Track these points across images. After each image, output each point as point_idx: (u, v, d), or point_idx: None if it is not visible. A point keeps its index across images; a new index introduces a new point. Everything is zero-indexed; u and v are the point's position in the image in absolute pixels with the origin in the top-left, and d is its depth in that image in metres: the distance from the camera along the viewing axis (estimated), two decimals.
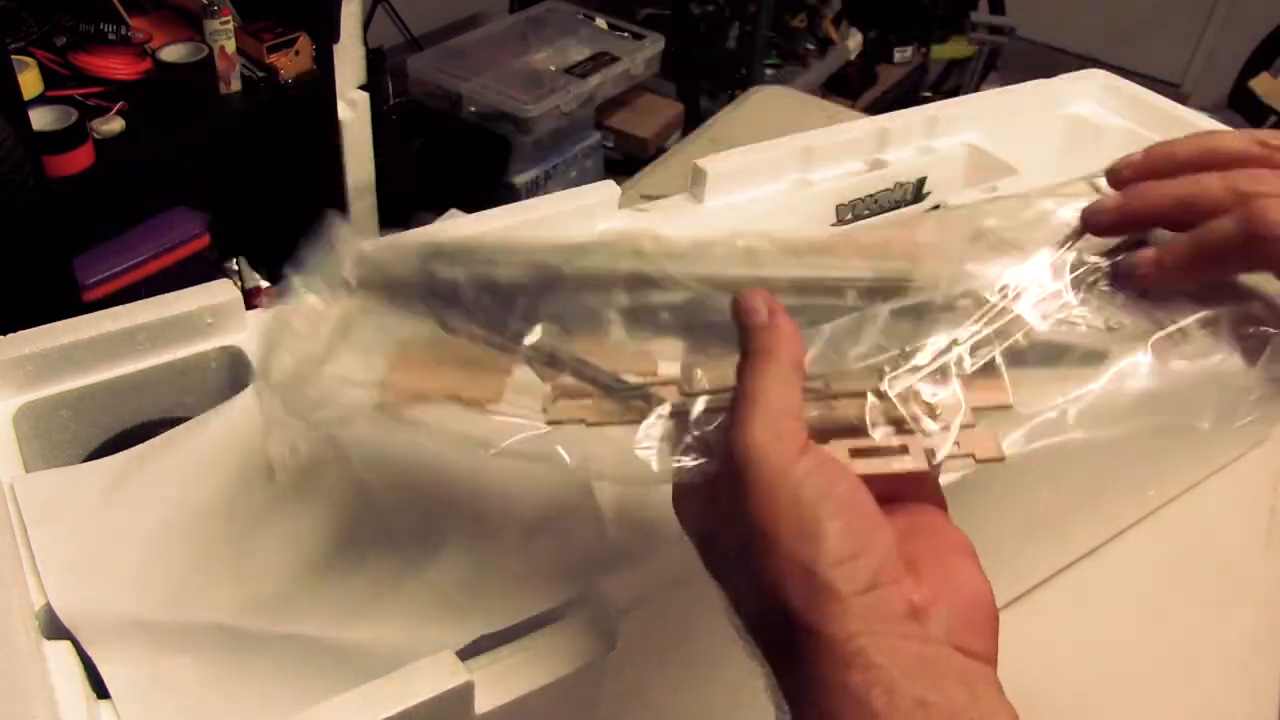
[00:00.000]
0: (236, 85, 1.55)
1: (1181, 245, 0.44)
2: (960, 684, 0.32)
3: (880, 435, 0.38)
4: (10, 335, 0.56)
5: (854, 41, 2.73)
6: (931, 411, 0.40)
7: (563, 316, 0.42)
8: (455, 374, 0.41)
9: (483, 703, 0.45)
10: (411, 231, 0.45)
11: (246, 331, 0.61)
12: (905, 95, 2.80)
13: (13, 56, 1.27)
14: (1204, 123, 0.83)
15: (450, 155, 2.11)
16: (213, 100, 1.53)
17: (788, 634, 0.32)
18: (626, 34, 2.31)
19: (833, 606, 0.32)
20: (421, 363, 0.42)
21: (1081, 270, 0.47)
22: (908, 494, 0.38)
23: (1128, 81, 0.87)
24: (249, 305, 0.61)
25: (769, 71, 2.58)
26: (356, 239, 0.43)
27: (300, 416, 0.41)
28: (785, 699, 0.33)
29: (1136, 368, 0.44)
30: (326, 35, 1.63)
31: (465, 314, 0.41)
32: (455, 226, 0.44)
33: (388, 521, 0.52)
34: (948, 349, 0.42)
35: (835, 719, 0.31)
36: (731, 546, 0.35)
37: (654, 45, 2.28)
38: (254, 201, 1.84)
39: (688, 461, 0.37)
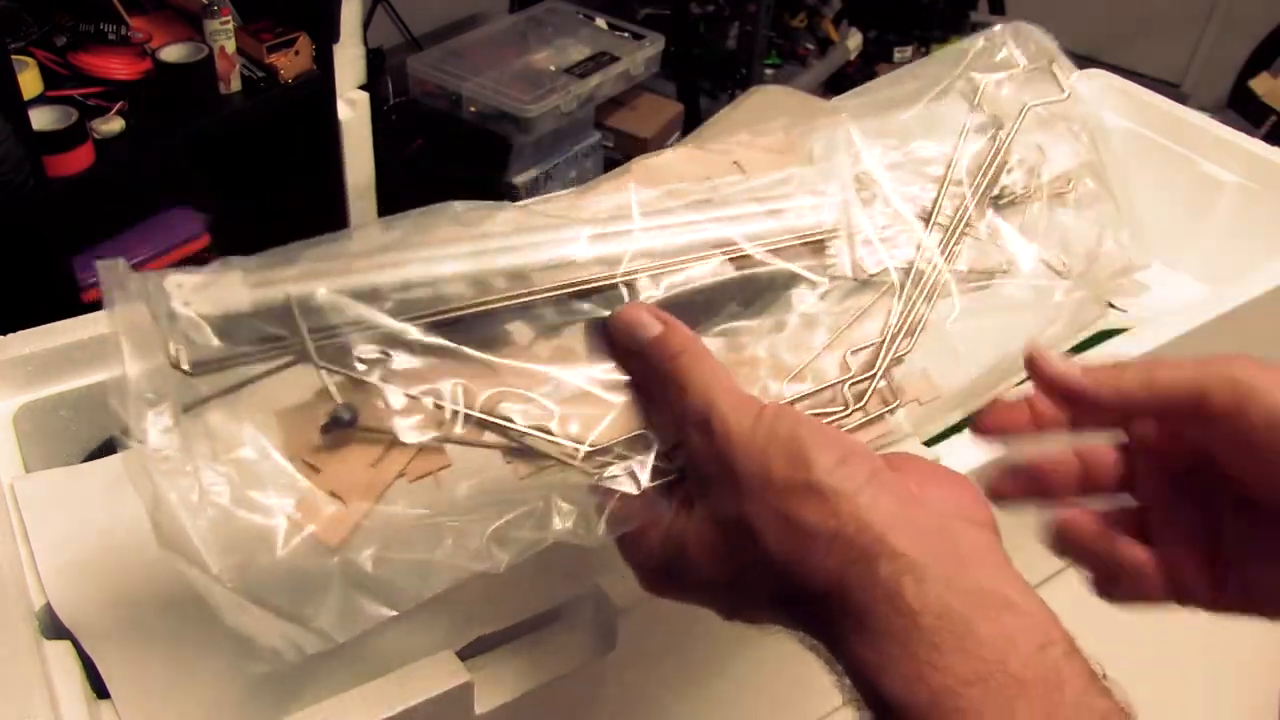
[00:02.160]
0: (236, 85, 1.55)
1: (1122, 382, 0.38)
2: (983, 558, 0.33)
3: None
4: (10, 335, 0.56)
5: (854, 41, 2.73)
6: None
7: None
8: (367, 449, 0.37)
9: (483, 702, 0.45)
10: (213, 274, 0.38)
11: None
12: None
13: (13, 56, 1.27)
14: (1204, 123, 0.83)
15: (450, 155, 2.10)
16: (213, 100, 1.53)
17: (809, 571, 0.33)
18: (626, 34, 2.31)
19: (845, 505, 0.33)
20: (321, 443, 0.37)
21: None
22: None
23: (1127, 81, 0.87)
24: None
25: (769, 71, 2.58)
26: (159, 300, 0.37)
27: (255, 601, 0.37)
28: (832, 653, 0.34)
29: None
30: (326, 35, 1.63)
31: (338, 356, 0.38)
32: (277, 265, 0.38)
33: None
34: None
35: (879, 631, 0.31)
36: (730, 520, 0.36)
37: (654, 45, 2.28)
38: (254, 201, 1.84)
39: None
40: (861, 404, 0.43)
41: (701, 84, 2.53)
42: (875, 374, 0.43)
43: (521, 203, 0.43)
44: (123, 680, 0.46)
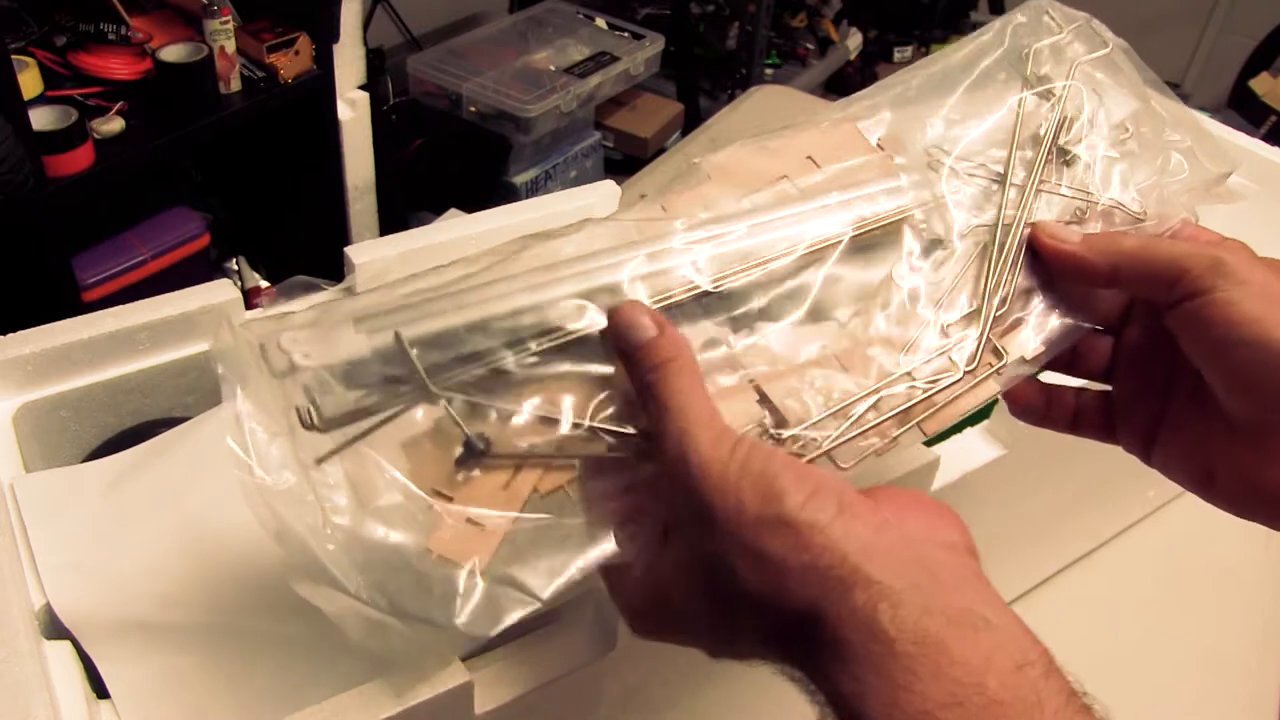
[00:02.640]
0: (236, 85, 1.55)
1: (1118, 246, 0.42)
2: (960, 583, 0.34)
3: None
4: (10, 335, 0.56)
5: (854, 41, 2.73)
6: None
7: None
8: (496, 474, 0.38)
9: (482, 702, 0.45)
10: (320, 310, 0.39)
11: None
12: None
13: (13, 56, 1.27)
14: (1204, 122, 0.83)
15: (450, 155, 2.11)
16: (213, 100, 1.53)
17: (785, 604, 0.33)
18: (626, 34, 2.31)
19: (817, 538, 0.33)
20: (452, 473, 0.38)
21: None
22: None
23: None
24: (249, 305, 0.61)
25: (769, 71, 2.58)
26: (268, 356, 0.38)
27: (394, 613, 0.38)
28: (813, 684, 0.34)
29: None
30: (326, 35, 1.63)
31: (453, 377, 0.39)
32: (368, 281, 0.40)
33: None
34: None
35: (856, 659, 0.32)
36: (703, 556, 0.36)
37: (654, 45, 2.28)
38: (254, 201, 1.84)
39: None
40: (972, 367, 0.43)
41: (701, 84, 2.53)
42: (981, 335, 0.43)
43: (607, 216, 0.43)
44: (123, 680, 0.46)
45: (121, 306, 0.58)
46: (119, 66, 1.49)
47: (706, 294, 0.42)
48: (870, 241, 0.45)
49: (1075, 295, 0.45)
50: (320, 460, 0.37)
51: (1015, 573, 0.82)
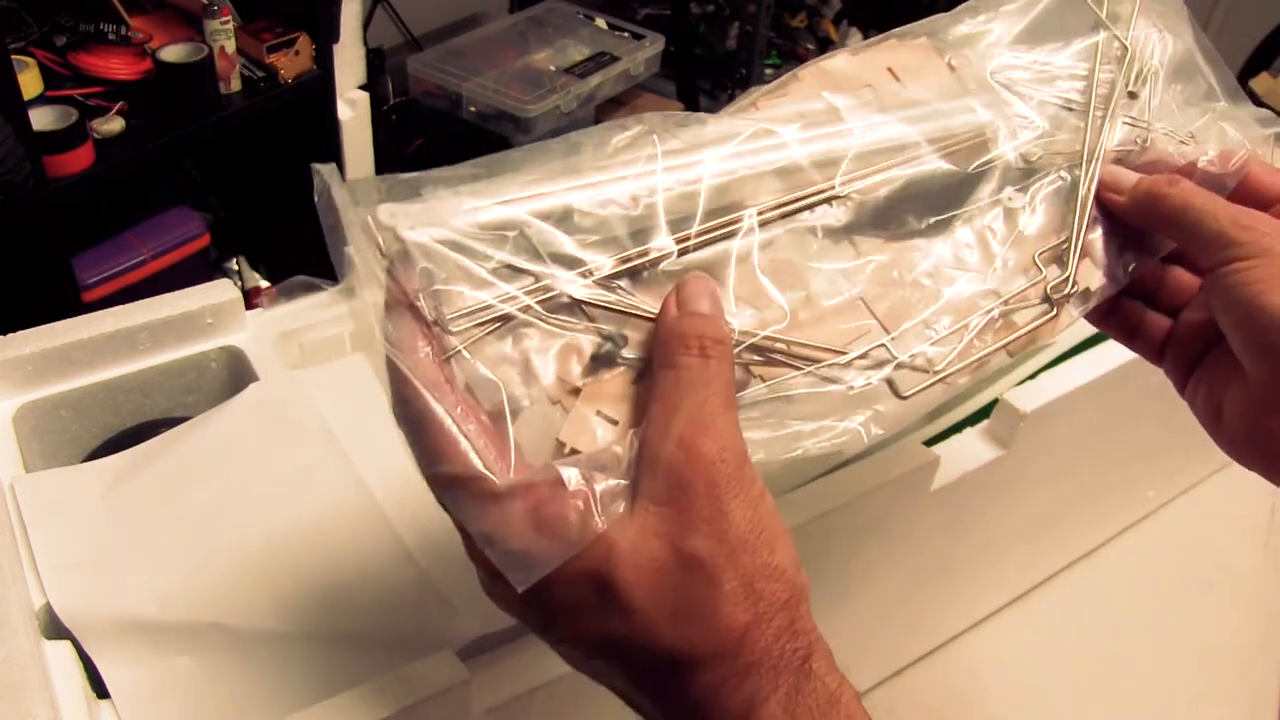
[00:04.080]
0: (236, 85, 1.55)
1: (1158, 207, 0.44)
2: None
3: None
4: (10, 335, 0.56)
5: (854, 41, 2.73)
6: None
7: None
8: (625, 373, 0.37)
9: (482, 702, 0.45)
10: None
11: (246, 331, 0.61)
12: None
13: (13, 56, 1.27)
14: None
15: (450, 155, 2.09)
16: (213, 100, 1.52)
17: (762, 635, 0.34)
18: (626, 34, 2.31)
19: (803, 605, 0.35)
20: (581, 373, 0.36)
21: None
22: None
23: None
24: (249, 305, 0.61)
25: (769, 71, 2.58)
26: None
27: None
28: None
29: None
30: (326, 35, 1.63)
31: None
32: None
33: (388, 521, 0.52)
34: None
35: (807, 709, 0.34)
36: (696, 554, 0.33)
37: (654, 45, 2.28)
38: (254, 201, 1.84)
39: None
40: (1061, 305, 0.44)
41: (701, 84, 2.53)
42: (1071, 268, 0.44)
43: (700, 115, 0.43)
44: (123, 680, 0.46)
45: (121, 306, 0.58)
46: (119, 66, 1.49)
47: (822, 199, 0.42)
48: (954, 160, 0.45)
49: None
50: (446, 358, 0.35)
51: (1015, 573, 0.82)
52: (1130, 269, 0.46)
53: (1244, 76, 2.65)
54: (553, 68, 2.16)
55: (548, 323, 0.36)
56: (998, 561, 0.78)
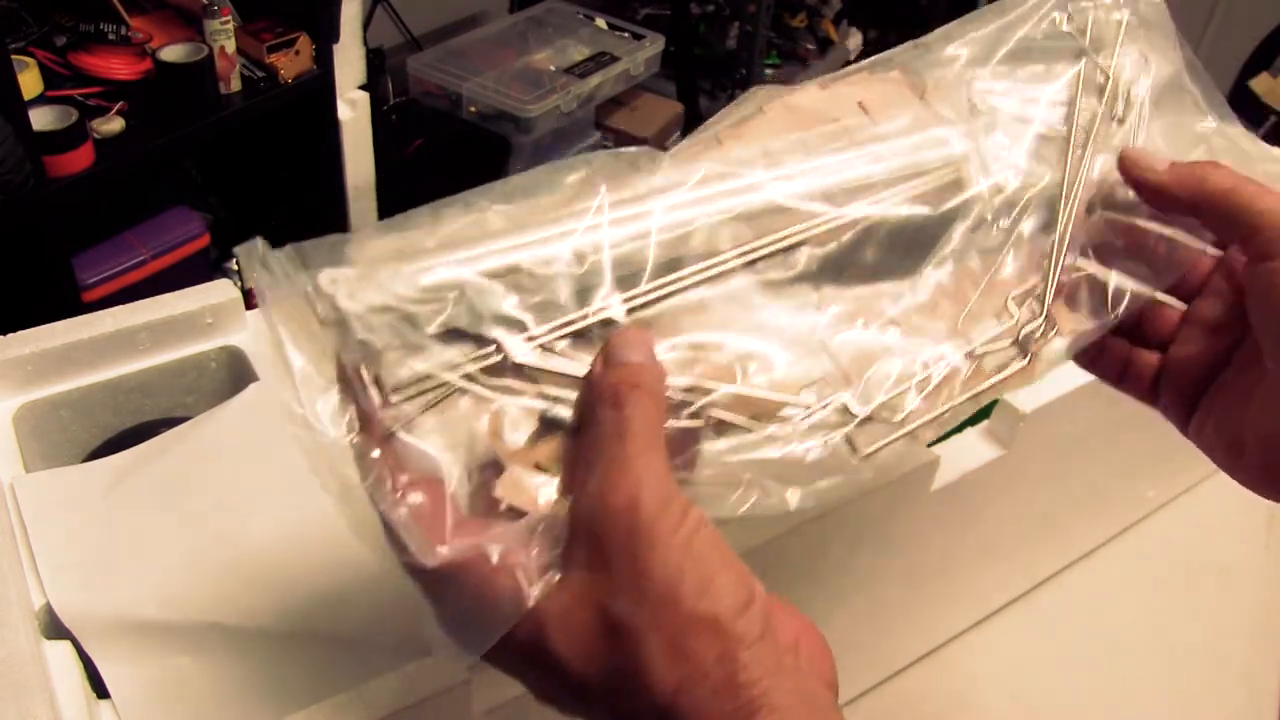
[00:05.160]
0: (236, 85, 1.55)
1: (1206, 184, 0.42)
2: (835, 716, 0.34)
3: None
4: (10, 335, 0.56)
5: (854, 41, 2.73)
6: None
7: None
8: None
9: (482, 702, 0.45)
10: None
11: (247, 331, 0.61)
12: None
13: (13, 56, 1.27)
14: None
15: (450, 155, 2.10)
16: (213, 100, 1.52)
17: (694, 697, 0.32)
18: (626, 34, 2.31)
19: (743, 655, 0.32)
20: (525, 442, 0.36)
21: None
22: None
23: None
24: (249, 305, 0.61)
25: (769, 71, 2.58)
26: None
27: None
28: None
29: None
30: (326, 35, 1.63)
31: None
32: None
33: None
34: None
35: None
36: (619, 618, 0.32)
37: (654, 45, 2.28)
38: (254, 201, 1.84)
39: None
40: (1035, 352, 0.42)
41: (701, 84, 2.53)
42: (1043, 315, 0.43)
43: (654, 153, 0.41)
44: (123, 680, 0.46)
45: (121, 306, 0.58)
46: (119, 66, 1.49)
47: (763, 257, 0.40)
48: (924, 199, 0.43)
49: (1155, 259, 0.44)
50: (388, 435, 0.34)
51: (1015, 573, 0.82)
52: (1121, 307, 0.44)
53: (1244, 76, 2.65)
54: (553, 68, 2.16)
55: (490, 388, 0.35)
56: (998, 561, 0.78)
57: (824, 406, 0.39)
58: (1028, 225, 0.44)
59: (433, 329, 0.35)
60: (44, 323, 0.56)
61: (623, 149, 0.41)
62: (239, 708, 0.46)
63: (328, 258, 0.35)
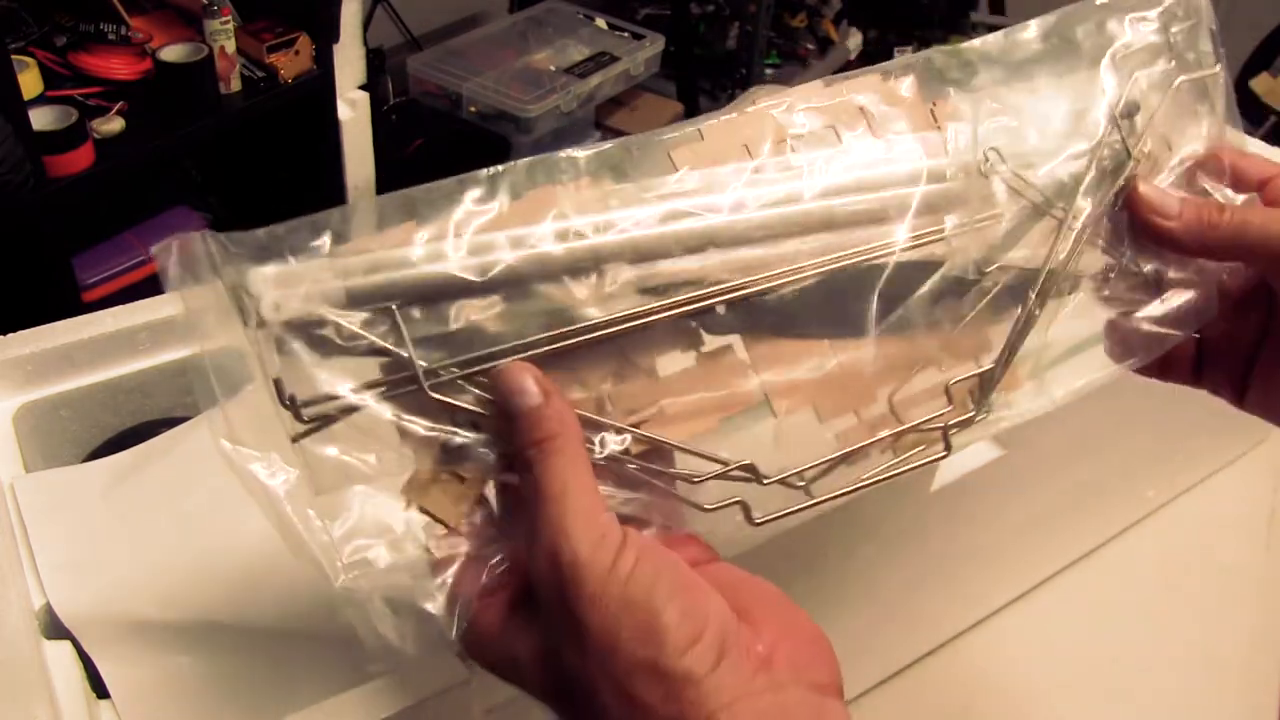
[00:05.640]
0: (236, 85, 1.55)
1: (1213, 232, 0.41)
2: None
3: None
4: (10, 335, 0.56)
5: (854, 41, 2.73)
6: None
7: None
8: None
9: (482, 702, 0.45)
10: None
11: None
12: None
13: (13, 56, 1.27)
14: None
15: (450, 155, 2.10)
16: (213, 100, 1.52)
17: None
18: (626, 34, 2.31)
19: (688, 692, 0.31)
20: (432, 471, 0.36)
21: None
22: (703, 559, 0.37)
23: None
24: None
25: (769, 71, 2.57)
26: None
27: None
28: None
29: None
30: (326, 35, 1.63)
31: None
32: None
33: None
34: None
35: None
36: (568, 670, 0.33)
37: (654, 45, 2.28)
38: (254, 201, 1.84)
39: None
40: (954, 442, 0.41)
41: (701, 84, 2.53)
42: (977, 410, 0.41)
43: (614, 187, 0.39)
44: (123, 680, 0.46)
45: (121, 306, 0.58)
46: (119, 66, 1.49)
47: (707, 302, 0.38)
48: (888, 247, 0.40)
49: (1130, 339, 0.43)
50: (295, 439, 0.34)
51: (1015, 573, 0.82)
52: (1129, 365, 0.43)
53: (1244, 76, 2.65)
54: (553, 68, 2.16)
55: (406, 411, 0.35)
56: (997, 561, 0.78)
57: (732, 467, 0.38)
58: (991, 298, 0.41)
59: (357, 342, 0.35)
60: (44, 323, 0.56)
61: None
62: (239, 708, 0.46)
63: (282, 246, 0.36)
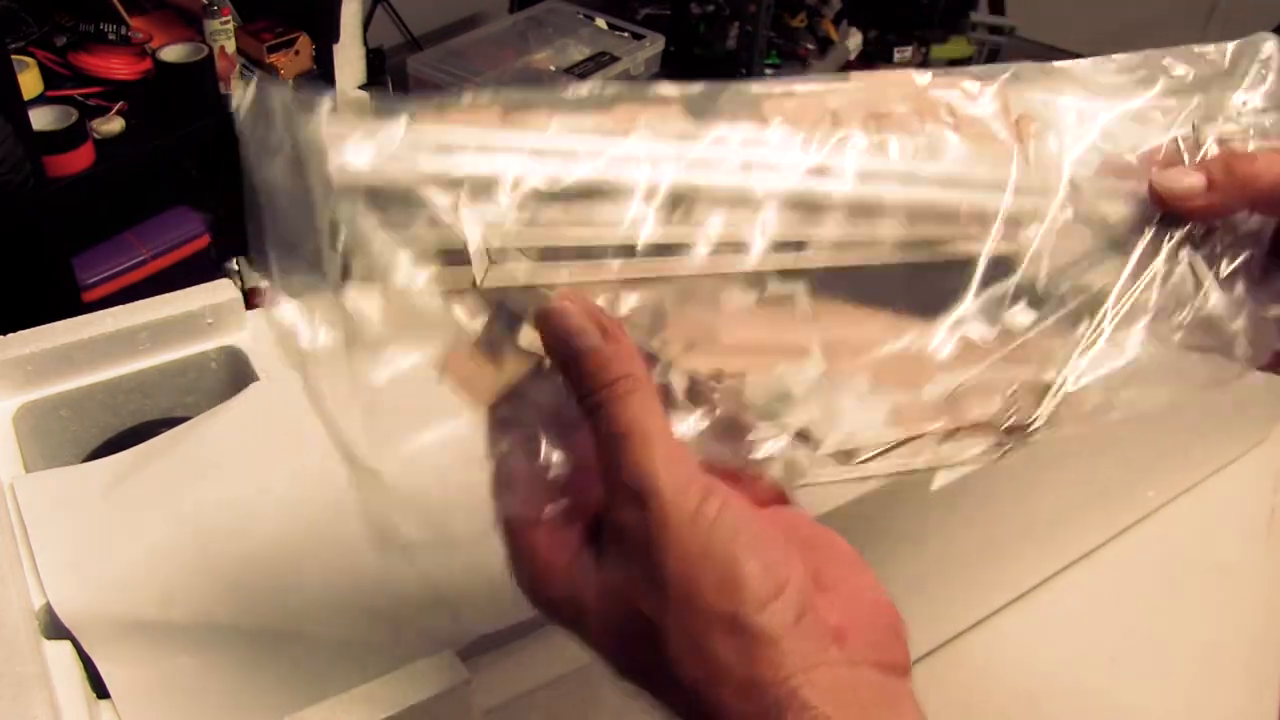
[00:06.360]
0: (236, 85, 1.55)
1: (1251, 187, 0.41)
2: (887, 708, 0.32)
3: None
4: (10, 335, 0.56)
5: (854, 41, 2.73)
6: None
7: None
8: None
9: (482, 701, 0.45)
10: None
11: (246, 331, 0.61)
12: None
13: (13, 56, 1.27)
14: None
15: None
16: (213, 100, 1.53)
17: (718, 696, 0.31)
18: (626, 34, 2.31)
19: (766, 651, 0.30)
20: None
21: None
22: (771, 498, 0.36)
23: None
24: (249, 305, 0.61)
25: (769, 71, 2.57)
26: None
27: None
28: None
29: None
30: (326, 35, 1.63)
31: None
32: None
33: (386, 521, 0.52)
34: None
35: None
36: (638, 616, 0.32)
37: (654, 45, 2.28)
38: None
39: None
40: (1014, 447, 0.41)
41: None
42: (1034, 420, 0.41)
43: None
44: (123, 680, 0.46)
45: (121, 306, 0.58)
46: (119, 66, 1.49)
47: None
48: (968, 241, 0.41)
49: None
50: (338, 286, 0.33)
51: (1015, 573, 0.82)
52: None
53: None
54: (553, 68, 2.16)
55: (456, 291, 0.34)
56: (998, 562, 0.78)
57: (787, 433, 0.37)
58: (1067, 313, 0.41)
59: (418, 216, 0.33)
60: (44, 323, 0.56)
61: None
62: (239, 708, 0.46)
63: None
